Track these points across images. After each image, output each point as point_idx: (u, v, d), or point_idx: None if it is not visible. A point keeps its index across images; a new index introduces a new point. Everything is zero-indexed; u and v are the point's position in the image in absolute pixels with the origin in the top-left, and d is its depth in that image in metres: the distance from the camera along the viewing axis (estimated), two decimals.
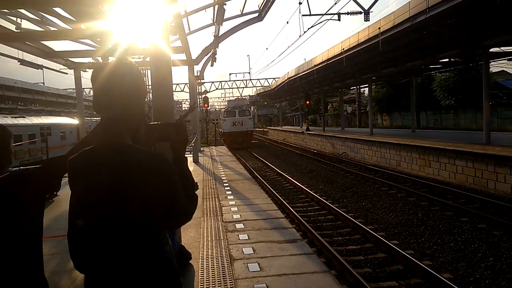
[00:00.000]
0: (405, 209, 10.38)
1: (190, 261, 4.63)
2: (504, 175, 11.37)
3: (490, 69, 20.74)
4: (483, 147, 13.22)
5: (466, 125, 27.12)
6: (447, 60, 19.73)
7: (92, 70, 1.48)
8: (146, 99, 1.59)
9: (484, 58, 15.49)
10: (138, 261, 1.36)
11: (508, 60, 19.67)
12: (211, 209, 7.34)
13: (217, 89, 51.75)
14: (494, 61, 20.19)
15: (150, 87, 5.94)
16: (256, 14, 14.78)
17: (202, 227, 6.13)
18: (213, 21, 14.16)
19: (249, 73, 57.35)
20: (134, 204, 1.33)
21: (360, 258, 7.07)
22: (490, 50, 15.60)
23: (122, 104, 1.45)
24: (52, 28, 11.41)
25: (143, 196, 1.34)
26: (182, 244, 4.93)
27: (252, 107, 48.02)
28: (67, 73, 18.08)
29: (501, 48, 16.58)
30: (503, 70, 32.70)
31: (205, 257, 4.79)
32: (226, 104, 42.24)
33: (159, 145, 2.27)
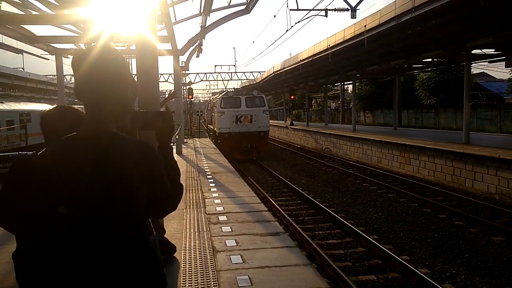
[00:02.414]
0: (385, 205, 10.57)
1: None
2: (482, 174, 11.68)
3: (472, 71, 21.15)
4: (462, 146, 13.53)
5: (446, 124, 27.68)
6: (430, 60, 20.04)
7: (73, 55, 1.43)
8: (132, 87, 1.56)
9: (466, 59, 15.79)
10: (122, 252, 1.33)
11: (489, 62, 20.12)
12: (194, 201, 7.32)
13: (201, 80, 51.27)
14: (476, 63, 20.62)
15: (135, 76, 5.85)
16: (244, 7, 14.69)
17: (185, 218, 6.11)
18: (200, 11, 14.00)
19: (235, 65, 57.04)
20: (117, 193, 1.31)
21: (341, 252, 7.17)
22: (472, 51, 15.93)
23: (105, 91, 1.40)
24: (34, 12, 11.09)
25: (126, 186, 1.31)
26: (165, 236, 4.91)
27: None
28: (48, 59, 17.65)
29: (482, 50, 16.95)
30: (483, 72, 33.45)
31: (187, 248, 4.78)
32: (221, 92, 28.07)
33: (143, 133, 2.24)
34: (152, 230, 1.52)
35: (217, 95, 25.42)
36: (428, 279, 5.73)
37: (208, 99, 33.98)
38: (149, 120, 1.71)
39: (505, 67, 20.85)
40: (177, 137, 15.64)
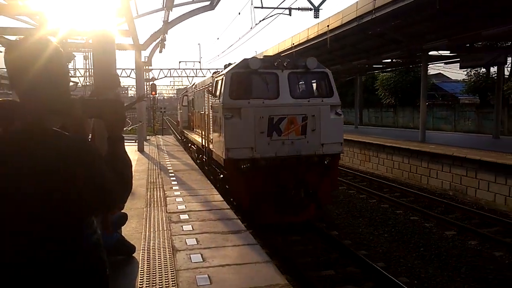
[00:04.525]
0: (345, 201, 10.83)
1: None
2: (436, 171, 12.20)
3: (428, 71, 22.07)
4: (419, 144, 14.08)
5: (404, 123, 28.71)
6: (390, 60, 20.70)
7: (6, 47, 1.36)
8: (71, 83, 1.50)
9: (423, 60, 16.44)
10: (53, 250, 1.28)
11: (445, 63, 21.06)
12: (155, 199, 7.18)
13: (165, 76, 50.34)
14: (432, 64, 21.53)
15: (92, 70, 5.66)
16: (208, 2, 14.55)
17: (145, 217, 5.97)
18: (163, 6, 13.74)
19: (200, 62, 56.57)
20: (53, 193, 1.25)
21: (301, 248, 7.27)
22: (429, 53, 16.60)
23: (39, 84, 1.33)
24: None
25: (62, 185, 1.26)
26: (123, 235, 4.79)
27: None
28: (1, 51, 16.71)
29: (438, 51, 17.70)
30: (440, 73, 34.95)
31: (146, 248, 4.68)
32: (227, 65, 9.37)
33: (99, 123, 2.15)
34: (96, 229, 1.46)
35: (218, 72, 10.28)
36: (385, 272, 5.92)
37: (189, 86, 17.79)
38: (97, 109, 1.63)
39: (460, 68, 21.89)
40: (140, 125, 15.30)
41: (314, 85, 8.73)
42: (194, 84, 15.60)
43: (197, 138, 12.41)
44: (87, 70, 34.70)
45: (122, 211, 4.67)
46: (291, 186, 7.59)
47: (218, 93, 8.46)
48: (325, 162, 7.94)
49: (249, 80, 8.13)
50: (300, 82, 8.58)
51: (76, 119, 1.61)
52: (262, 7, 17.85)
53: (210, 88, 9.48)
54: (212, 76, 9.92)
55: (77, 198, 1.28)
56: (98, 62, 5.16)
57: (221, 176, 8.46)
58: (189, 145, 15.28)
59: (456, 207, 9.95)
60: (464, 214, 9.46)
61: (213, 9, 14.63)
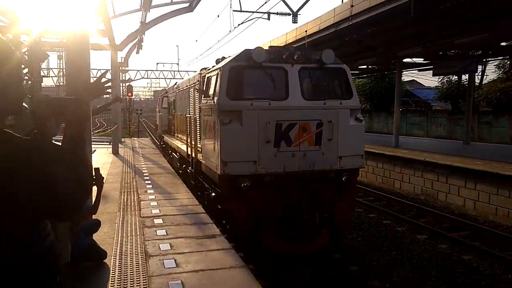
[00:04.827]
0: None
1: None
2: (409, 176, 12.48)
3: (402, 78, 22.61)
4: (393, 149, 14.38)
5: (378, 128, 29.24)
6: (365, 67, 21.09)
7: None
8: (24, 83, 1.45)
9: (397, 67, 16.83)
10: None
11: (419, 70, 21.63)
12: (129, 203, 7.05)
13: (142, 78, 49.66)
14: (406, 71, 22.06)
15: (64, 70, 5.52)
16: (187, 4, 14.47)
17: (117, 222, 5.85)
18: (140, 6, 13.57)
19: (178, 64, 56.10)
20: None
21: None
22: (403, 60, 17.01)
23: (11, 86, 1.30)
24: None
25: (7, 189, 1.21)
26: (95, 240, 4.67)
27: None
28: None
29: (412, 59, 18.16)
30: (413, 80, 35.83)
31: (118, 253, 4.59)
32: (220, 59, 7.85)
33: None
34: (49, 233, 1.40)
35: (208, 68, 8.31)
36: (358, 275, 6.00)
37: (170, 86, 16.63)
38: (58, 107, 1.58)
39: (433, 76, 22.56)
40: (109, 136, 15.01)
41: (330, 82, 7.29)
42: (176, 83, 14.40)
43: (180, 145, 11.02)
44: (61, 70, 33.86)
45: (94, 216, 4.56)
46: (303, 209, 6.22)
47: (211, 92, 6.97)
48: (343, 178, 6.59)
49: (252, 76, 6.62)
50: (313, 80, 7.08)
51: (39, 118, 1.56)
52: (241, 11, 17.87)
53: (199, 86, 8.21)
54: (200, 73, 8.52)
55: (26, 202, 1.23)
56: (72, 62, 5.05)
57: (213, 194, 6.95)
58: (169, 152, 13.56)
59: (427, 211, 10.19)
60: (436, 219, 9.70)
61: (192, 11, 14.57)
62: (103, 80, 1.71)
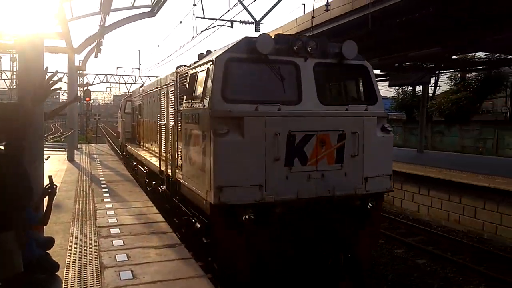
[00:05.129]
0: None
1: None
2: None
3: None
4: None
5: None
6: None
7: None
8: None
9: None
10: None
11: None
12: (84, 212, 6.77)
13: (101, 82, 48.24)
14: None
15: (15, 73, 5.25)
16: (149, 9, 14.27)
17: (71, 233, 5.60)
18: (100, 10, 13.23)
19: (139, 69, 54.93)
20: None
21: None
22: None
23: None
24: None
25: None
26: (47, 251, 4.43)
27: None
28: None
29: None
30: None
31: (71, 265, 4.38)
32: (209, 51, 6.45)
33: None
34: None
35: (188, 66, 6.61)
36: None
37: (136, 89, 14.46)
38: (5, 113, 1.49)
39: (388, 86, 23.44)
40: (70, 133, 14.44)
41: (350, 84, 6.16)
42: (142, 85, 13.13)
43: (148, 157, 9.43)
44: (14, 73, 32.30)
45: (47, 233, 4.33)
46: (324, 249, 5.00)
47: (197, 93, 5.52)
48: (368, 205, 5.31)
49: (255, 71, 5.17)
50: (331, 79, 5.98)
51: None
52: (204, 18, 17.82)
53: (176, 87, 7.01)
54: (177, 72, 7.17)
55: None
56: (24, 65, 4.81)
57: (198, 225, 5.45)
58: (134, 163, 11.83)
59: (384, 217, 10.51)
60: (391, 224, 10.02)
61: (154, 16, 14.39)
62: (54, 79, 1.63)
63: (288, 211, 4.88)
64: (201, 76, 5.47)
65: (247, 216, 4.68)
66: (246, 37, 5.23)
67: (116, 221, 6.28)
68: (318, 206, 5.03)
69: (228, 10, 15.25)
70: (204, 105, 5.03)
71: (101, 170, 11.96)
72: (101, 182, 9.83)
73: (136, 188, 9.28)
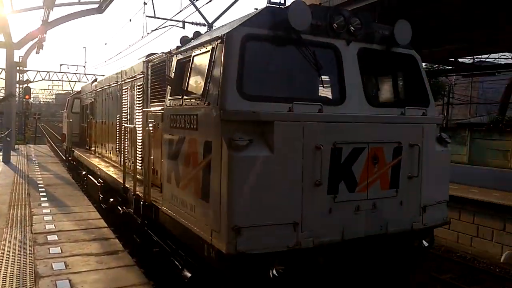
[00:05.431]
0: None
1: None
2: None
3: None
4: None
5: None
6: None
7: None
8: None
9: None
10: None
11: None
12: (19, 218, 6.37)
13: (43, 79, 45.71)
14: None
15: None
16: (96, 5, 13.79)
17: (3, 240, 5.25)
18: (43, 4, 12.58)
19: (84, 66, 52.46)
20: None
21: None
22: None
23: None
24: None
25: None
26: None
27: None
28: None
29: None
30: None
31: (2, 276, 4.10)
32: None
33: None
34: None
35: (168, 52, 5.10)
36: None
37: (87, 84, 12.98)
38: None
39: None
40: (8, 139, 13.56)
41: (399, 79, 4.73)
42: (95, 80, 11.44)
43: (104, 167, 7.92)
44: None
45: None
46: None
47: (195, 84, 4.06)
48: (424, 242, 4.12)
49: (283, 56, 3.75)
50: (378, 71, 4.54)
51: None
52: (154, 17, 17.49)
53: (155, 78, 5.51)
54: (148, 60, 5.91)
55: None
56: None
57: (188, 274, 3.99)
58: (84, 173, 10.23)
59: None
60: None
61: (102, 12, 13.94)
62: None
63: (331, 259, 3.53)
64: (200, 62, 3.99)
65: (278, 269, 3.22)
66: (269, 6, 3.75)
67: (54, 227, 5.97)
68: (366, 248, 3.74)
69: (180, 11, 15.11)
70: (208, 103, 3.56)
71: (39, 173, 11.32)
72: (39, 185, 9.31)
73: (77, 191, 8.88)
